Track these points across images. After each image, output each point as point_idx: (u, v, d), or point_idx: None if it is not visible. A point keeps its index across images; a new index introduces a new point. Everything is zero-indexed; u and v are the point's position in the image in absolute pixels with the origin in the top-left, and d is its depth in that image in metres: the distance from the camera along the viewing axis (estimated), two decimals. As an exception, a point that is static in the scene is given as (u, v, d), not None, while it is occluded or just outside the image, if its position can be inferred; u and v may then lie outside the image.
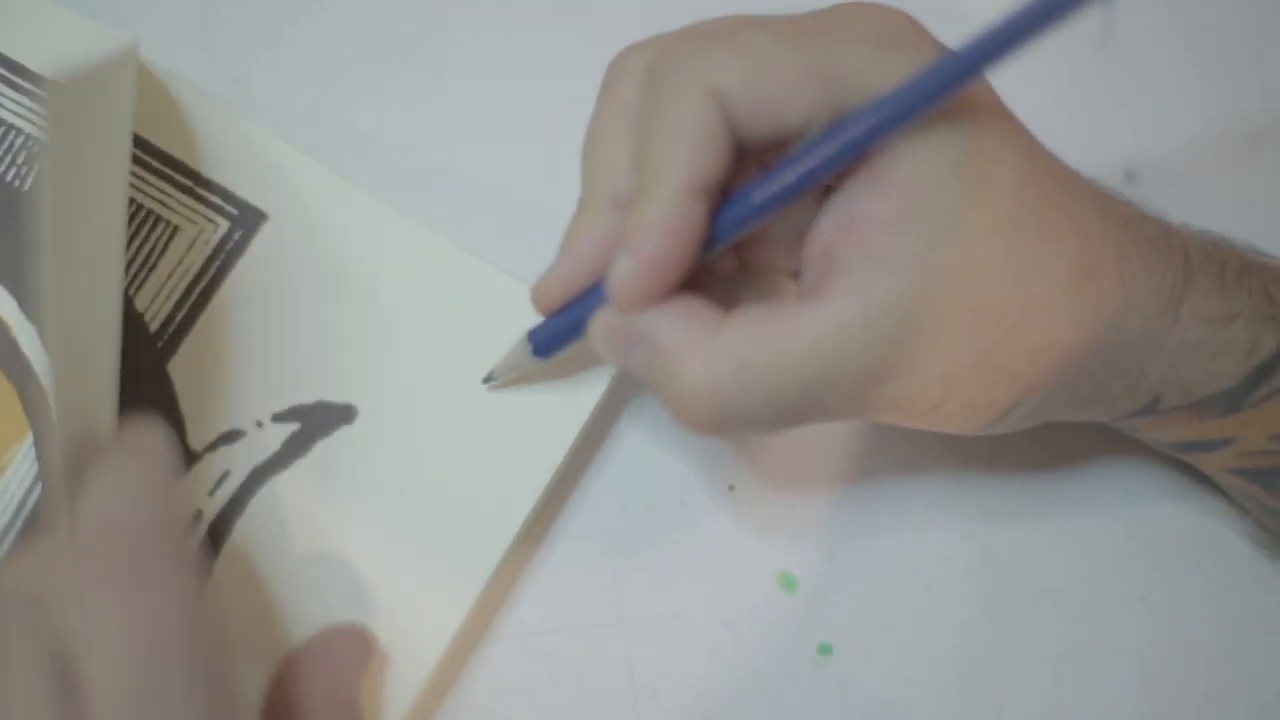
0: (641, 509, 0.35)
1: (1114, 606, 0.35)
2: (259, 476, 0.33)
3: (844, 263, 0.26)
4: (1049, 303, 0.27)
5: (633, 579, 0.34)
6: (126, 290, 0.34)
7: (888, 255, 0.26)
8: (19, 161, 0.35)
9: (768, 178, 0.26)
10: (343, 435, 0.33)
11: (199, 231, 0.34)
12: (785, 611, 0.34)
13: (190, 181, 0.35)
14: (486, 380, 0.33)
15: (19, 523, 0.32)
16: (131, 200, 0.34)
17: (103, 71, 0.28)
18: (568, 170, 0.30)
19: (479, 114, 0.38)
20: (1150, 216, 0.29)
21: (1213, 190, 0.38)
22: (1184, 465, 0.34)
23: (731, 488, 0.35)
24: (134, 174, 0.34)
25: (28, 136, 0.35)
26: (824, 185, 0.27)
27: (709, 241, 0.27)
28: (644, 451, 0.35)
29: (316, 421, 0.33)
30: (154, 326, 0.34)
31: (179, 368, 0.33)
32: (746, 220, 0.27)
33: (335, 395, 0.33)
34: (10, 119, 0.35)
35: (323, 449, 0.33)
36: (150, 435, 0.27)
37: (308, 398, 0.33)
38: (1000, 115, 0.27)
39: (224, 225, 0.34)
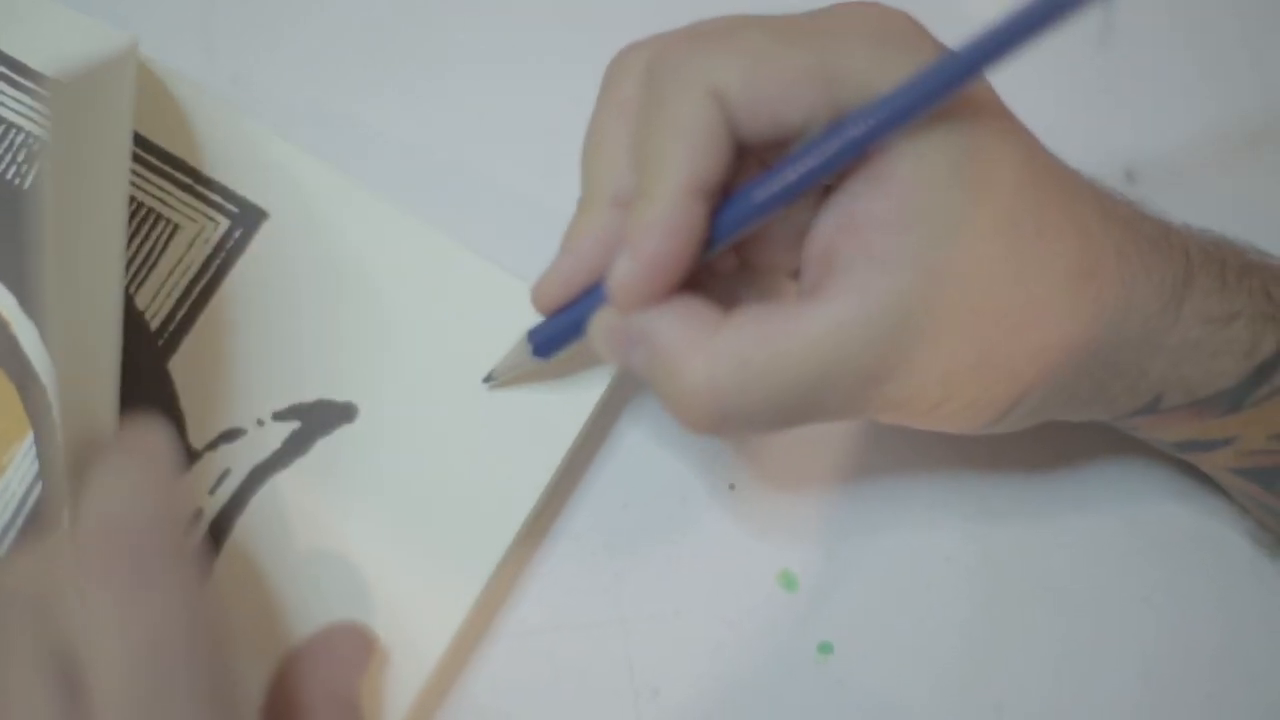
0: (642, 508, 0.35)
1: (1116, 606, 0.35)
2: (259, 475, 0.33)
3: (844, 262, 0.26)
4: (1049, 302, 0.27)
5: (633, 578, 0.34)
6: (127, 289, 0.34)
7: (888, 255, 0.26)
8: (19, 160, 0.35)
9: (768, 177, 0.26)
10: (343, 434, 0.33)
11: (199, 230, 0.34)
12: (786, 610, 0.34)
13: (190, 180, 0.35)
14: (487, 380, 0.33)
15: (19, 521, 0.32)
16: (132, 198, 0.34)
17: (104, 70, 0.28)
18: (568, 170, 0.30)
19: (479, 114, 0.38)
20: (1150, 216, 0.29)
21: (1213, 190, 0.38)
22: (1185, 465, 0.34)
23: (732, 486, 0.35)
24: (134, 172, 0.34)
25: (28, 135, 0.35)
26: (824, 185, 0.27)
27: (709, 241, 0.27)
28: (644, 450, 0.35)
29: (317, 420, 0.33)
30: (154, 325, 0.34)
31: (179, 366, 0.33)
32: (747, 220, 0.27)
33: (336, 394, 0.33)
34: (11, 117, 0.35)
35: (323, 447, 0.33)
36: (151, 434, 0.27)
37: (308, 396, 0.33)
38: (1000, 115, 0.27)
39: (224, 223, 0.34)
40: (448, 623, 0.32)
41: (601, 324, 0.28)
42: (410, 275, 0.34)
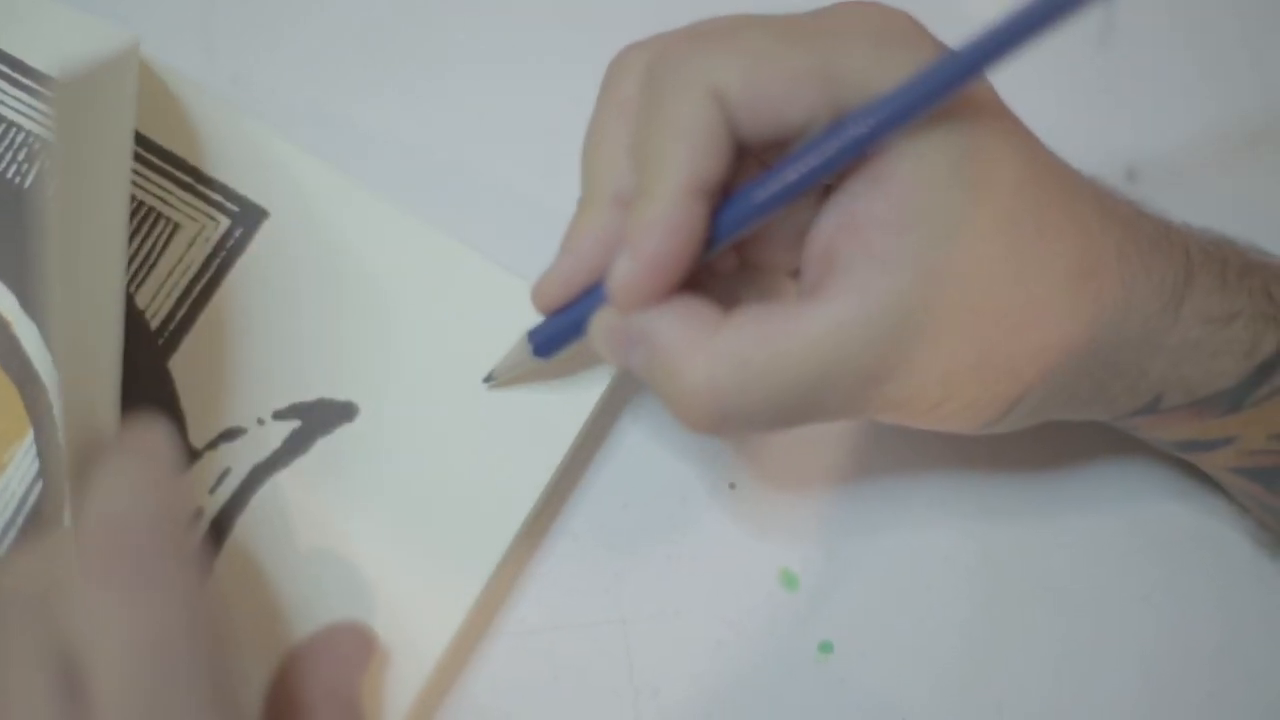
0: (642, 507, 0.35)
1: (1116, 605, 0.35)
2: (260, 474, 0.33)
3: (844, 262, 0.26)
4: (1049, 302, 0.27)
5: (633, 577, 0.34)
6: (127, 288, 0.34)
7: (888, 255, 0.26)
8: (20, 159, 0.35)
9: (768, 177, 0.26)
10: (344, 433, 0.33)
11: (200, 229, 0.34)
12: (786, 610, 0.34)
13: (191, 179, 0.35)
14: (487, 379, 0.33)
15: (19, 521, 0.32)
16: (132, 197, 0.34)
17: (106, 69, 0.28)
18: (568, 170, 0.30)
19: (479, 114, 0.38)
20: (1151, 216, 0.29)
21: (1213, 190, 0.38)
22: (1186, 464, 0.34)
23: (732, 486, 0.35)
24: (135, 171, 0.35)
25: (29, 134, 0.35)
26: (825, 184, 0.27)
27: (710, 241, 0.27)
28: (644, 450, 0.35)
29: (317, 419, 0.33)
30: (155, 324, 0.34)
31: (180, 365, 0.33)
32: (747, 220, 0.27)
33: (336, 393, 0.33)
34: (11, 116, 0.35)
35: (324, 446, 0.33)
36: (153, 433, 0.27)
37: (308, 395, 0.33)
38: (1001, 115, 0.27)
39: (225, 222, 0.34)
40: (448, 622, 0.32)
41: (602, 324, 0.28)
42: (410, 274, 0.34)
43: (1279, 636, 0.35)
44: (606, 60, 0.29)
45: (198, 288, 0.34)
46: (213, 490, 0.33)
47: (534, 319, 0.31)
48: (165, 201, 0.35)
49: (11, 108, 0.35)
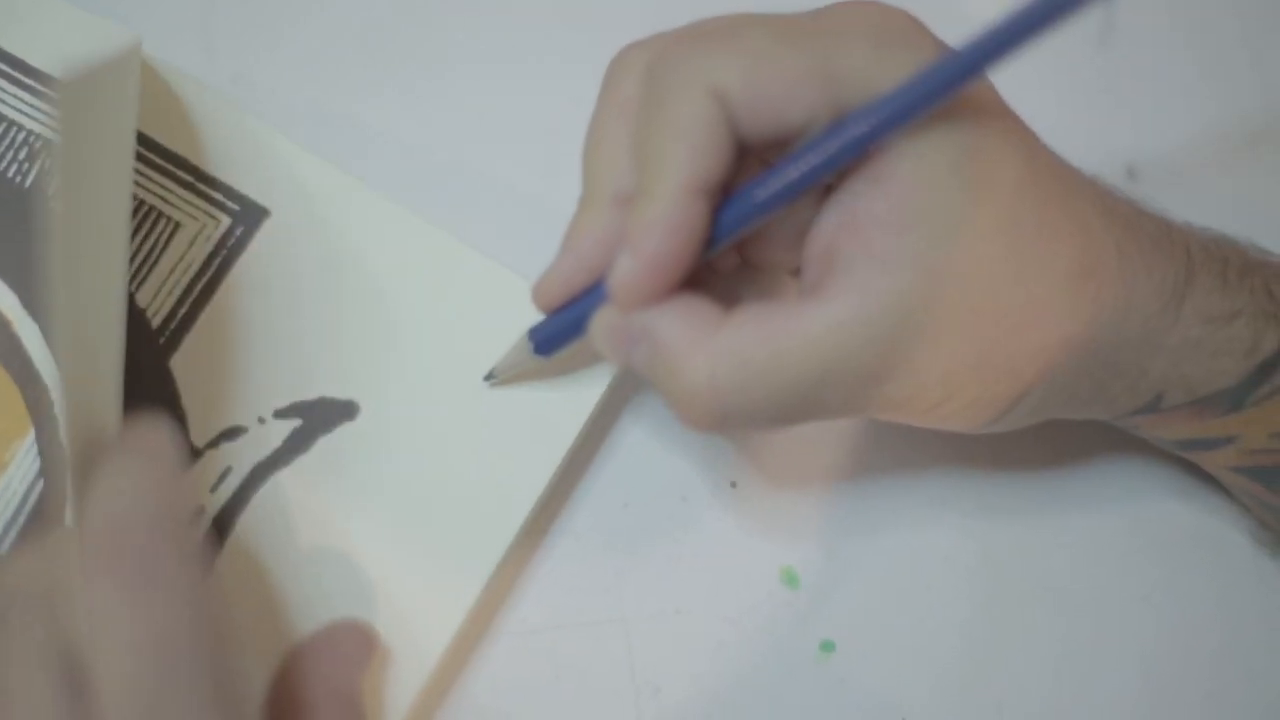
0: (643, 506, 0.35)
1: (1116, 604, 0.35)
2: (261, 473, 0.33)
3: (845, 261, 0.26)
4: (1049, 302, 0.27)
5: (635, 576, 0.34)
6: (129, 287, 0.34)
7: (888, 254, 0.26)
8: (21, 158, 0.35)
9: (769, 176, 0.27)
10: (345, 432, 0.33)
11: (201, 228, 0.34)
12: (787, 608, 0.34)
13: (192, 177, 0.35)
14: (488, 378, 0.33)
15: (21, 520, 0.32)
16: (133, 196, 0.34)
17: (108, 68, 0.28)
18: (568, 169, 0.30)
19: (479, 113, 0.38)
20: (1152, 215, 0.29)
21: (1213, 189, 0.38)
22: (1187, 463, 0.34)
23: (733, 484, 0.35)
24: (136, 170, 0.35)
25: (30, 133, 0.35)
26: (825, 184, 0.27)
27: (710, 240, 0.27)
28: (645, 448, 0.35)
29: (318, 418, 0.33)
30: (156, 323, 0.34)
31: (181, 364, 0.33)
32: (748, 219, 0.27)
33: (337, 391, 0.33)
34: (12, 115, 0.35)
35: (325, 445, 0.33)
36: (155, 433, 0.27)
37: (310, 394, 0.33)
38: (1002, 114, 0.27)
39: (226, 221, 0.34)
40: (449, 621, 0.32)
41: (602, 322, 0.28)
42: (411, 273, 0.34)
43: (1279, 636, 0.35)
44: (606, 60, 0.29)
45: (199, 286, 0.34)
46: (214, 489, 0.33)
47: (535, 317, 0.31)
48: (166, 200, 0.35)
49: (13, 107, 0.35)
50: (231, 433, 0.33)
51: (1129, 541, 0.35)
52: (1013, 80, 0.27)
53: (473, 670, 0.33)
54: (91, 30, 0.35)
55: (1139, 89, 0.40)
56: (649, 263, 0.26)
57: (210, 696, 0.24)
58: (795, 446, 0.35)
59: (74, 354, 0.26)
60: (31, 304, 0.34)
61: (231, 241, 0.34)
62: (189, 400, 0.33)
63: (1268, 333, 0.29)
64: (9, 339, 0.33)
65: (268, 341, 0.34)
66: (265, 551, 0.32)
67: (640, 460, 0.35)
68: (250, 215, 0.35)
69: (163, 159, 0.35)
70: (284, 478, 0.33)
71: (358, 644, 0.31)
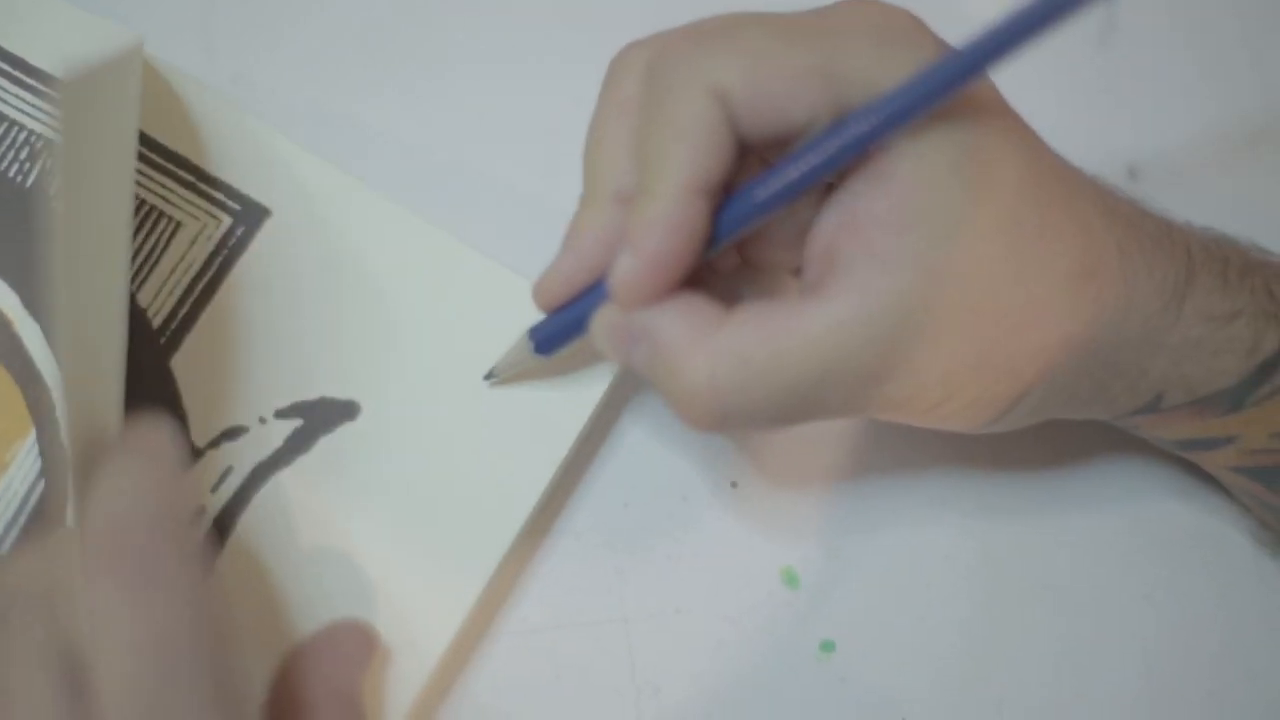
0: (644, 505, 0.35)
1: (1117, 604, 0.35)
2: (262, 473, 0.33)
3: (845, 261, 0.26)
4: (1050, 302, 0.27)
5: (635, 575, 0.34)
6: (129, 286, 0.34)
7: (889, 254, 0.26)
8: (22, 158, 0.35)
9: (770, 176, 0.27)
10: (345, 431, 0.33)
11: (202, 227, 0.34)
12: (787, 608, 0.34)
13: (193, 177, 0.35)
14: (488, 377, 0.33)
15: (22, 520, 0.32)
16: (135, 196, 0.34)
17: (110, 68, 0.28)
18: (568, 169, 0.30)
19: (479, 113, 0.38)
20: (1153, 214, 0.29)
21: (1213, 189, 0.38)
22: (1187, 463, 0.34)
23: (734, 484, 0.35)
24: (137, 170, 0.35)
25: (31, 132, 0.35)
26: (826, 183, 0.27)
27: (711, 239, 0.27)
28: (646, 448, 0.35)
29: (319, 418, 0.33)
30: (157, 323, 0.34)
31: (181, 364, 0.33)
32: (749, 218, 0.27)
33: (338, 391, 0.33)
34: (13, 115, 0.35)
35: (325, 445, 0.33)
36: (157, 433, 0.27)
37: (310, 394, 0.33)
38: (1003, 114, 0.27)
39: (227, 221, 0.35)
40: (449, 620, 0.32)
41: (603, 321, 0.28)
42: (412, 272, 0.34)
43: (1279, 636, 0.35)
44: (606, 60, 0.29)
45: (200, 286, 0.34)
46: (215, 489, 0.33)
47: (535, 317, 0.31)
48: (167, 200, 0.35)
49: (14, 106, 0.35)
50: (232, 433, 0.33)
51: (1129, 541, 0.35)
52: (1013, 80, 0.27)
53: (473, 670, 0.33)
54: (92, 30, 0.35)
55: (1139, 89, 0.40)
56: (650, 262, 0.26)
57: (211, 696, 0.24)
58: (795, 446, 0.35)
59: (75, 354, 0.26)
60: (33, 304, 0.34)
61: (232, 241, 0.34)
62: (190, 400, 0.33)
63: (1268, 333, 0.29)
64: (10, 339, 0.33)
65: (269, 341, 0.34)
66: (266, 551, 0.32)
67: (641, 460, 0.35)
68: (251, 215, 0.35)
69: (164, 159, 0.35)
70: (285, 478, 0.33)
71: (358, 644, 0.31)
